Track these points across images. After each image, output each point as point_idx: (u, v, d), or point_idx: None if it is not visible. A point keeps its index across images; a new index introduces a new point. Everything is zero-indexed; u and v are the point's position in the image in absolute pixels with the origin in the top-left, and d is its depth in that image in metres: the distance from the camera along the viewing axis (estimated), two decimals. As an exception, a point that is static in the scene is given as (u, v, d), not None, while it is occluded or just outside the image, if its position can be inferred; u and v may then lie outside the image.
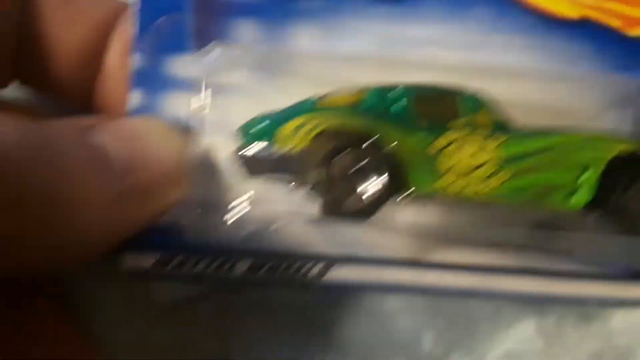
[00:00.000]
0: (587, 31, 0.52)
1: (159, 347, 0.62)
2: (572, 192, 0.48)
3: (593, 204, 0.49)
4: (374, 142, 0.48)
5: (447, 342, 0.62)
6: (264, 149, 0.48)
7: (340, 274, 0.53)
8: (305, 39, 0.52)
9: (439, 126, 0.49)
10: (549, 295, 0.54)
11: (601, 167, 0.48)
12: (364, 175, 0.48)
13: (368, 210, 0.48)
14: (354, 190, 0.48)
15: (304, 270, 0.53)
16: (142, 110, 0.52)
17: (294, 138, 0.48)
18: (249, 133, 0.49)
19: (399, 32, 0.52)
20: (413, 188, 0.48)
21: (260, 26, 0.52)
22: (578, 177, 0.48)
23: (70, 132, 0.44)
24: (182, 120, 0.52)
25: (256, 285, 0.54)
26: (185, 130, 0.52)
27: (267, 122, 0.49)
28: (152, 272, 0.53)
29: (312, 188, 0.48)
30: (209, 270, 0.53)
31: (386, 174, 0.48)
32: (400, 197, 0.49)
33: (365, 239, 0.51)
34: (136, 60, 0.52)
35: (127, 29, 0.52)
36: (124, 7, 0.53)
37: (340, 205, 0.48)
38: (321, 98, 0.51)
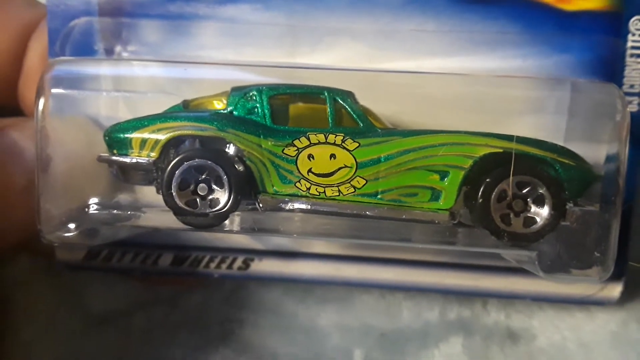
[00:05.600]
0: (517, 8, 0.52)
1: (89, 357, 0.63)
2: (437, 194, 0.48)
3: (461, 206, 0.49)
4: (222, 148, 0.48)
5: (376, 360, 0.63)
6: (122, 155, 0.49)
7: (261, 266, 0.56)
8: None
9: (296, 128, 0.48)
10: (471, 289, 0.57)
11: (465, 168, 0.48)
12: (209, 185, 0.48)
13: (214, 222, 0.48)
14: (197, 203, 0.48)
15: (226, 263, 0.56)
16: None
17: (145, 146, 0.48)
18: (111, 138, 0.49)
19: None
20: (267, 192, 0.48)
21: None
22: (442, 179, 0.48)
23: None
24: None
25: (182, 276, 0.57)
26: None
27: (126, 128, 0.49)
28: (84, 265, 0.56)
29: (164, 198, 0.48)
30: (135, 263, 0.56)
31: (230, 183, 0.47)
32: (251, 203, 0.49)
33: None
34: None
35: (44, 32, 0.54)
36: (43, 11, 0.54)
37: (186, 217, 0.48)
38: (190, 102, 0.51)
